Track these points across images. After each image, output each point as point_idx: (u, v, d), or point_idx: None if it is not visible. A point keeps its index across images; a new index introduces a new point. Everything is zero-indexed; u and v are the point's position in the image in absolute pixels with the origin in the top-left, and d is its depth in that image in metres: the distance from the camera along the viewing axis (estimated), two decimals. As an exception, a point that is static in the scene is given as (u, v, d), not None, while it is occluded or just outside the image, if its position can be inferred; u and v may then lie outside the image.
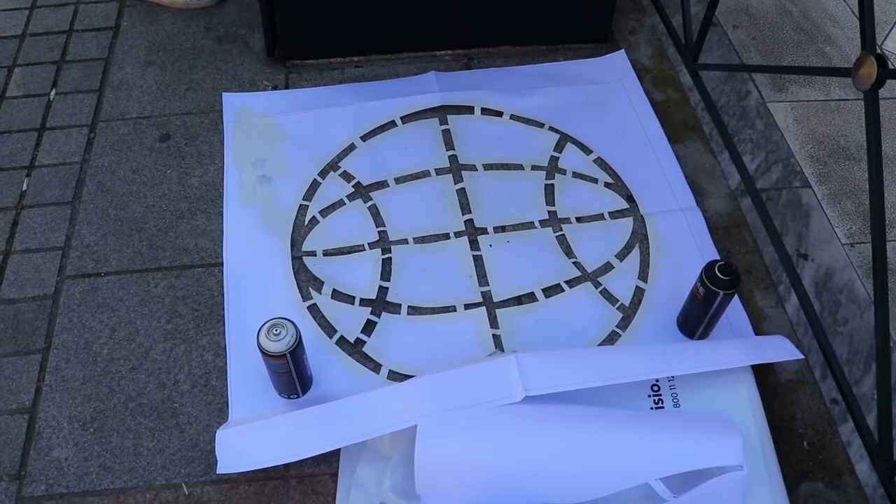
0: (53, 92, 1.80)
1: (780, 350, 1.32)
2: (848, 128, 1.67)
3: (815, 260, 1.46)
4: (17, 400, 1.30)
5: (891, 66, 1.14)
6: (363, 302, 1.43)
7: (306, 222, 1.55)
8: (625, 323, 1.41)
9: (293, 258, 1.49)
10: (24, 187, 1.61)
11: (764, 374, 1.32)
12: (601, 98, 1.80)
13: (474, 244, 1.51)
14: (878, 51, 1.29)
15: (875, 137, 1.13)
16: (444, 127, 1.73)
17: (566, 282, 1.46)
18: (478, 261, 1.49)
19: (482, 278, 1.46)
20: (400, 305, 1.42)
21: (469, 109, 1.76)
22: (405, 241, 1.52)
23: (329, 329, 1.39)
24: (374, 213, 1.57)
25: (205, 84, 1.82)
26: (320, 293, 1.44)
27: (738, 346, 1.31)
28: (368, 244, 1.51)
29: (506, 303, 1.43)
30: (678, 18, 1.87)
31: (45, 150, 1.68)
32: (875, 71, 1.12)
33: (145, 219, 1.55)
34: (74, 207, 1.57)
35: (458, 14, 1.84)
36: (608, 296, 1.45)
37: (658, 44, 1.95)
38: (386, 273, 1.47)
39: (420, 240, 1.52)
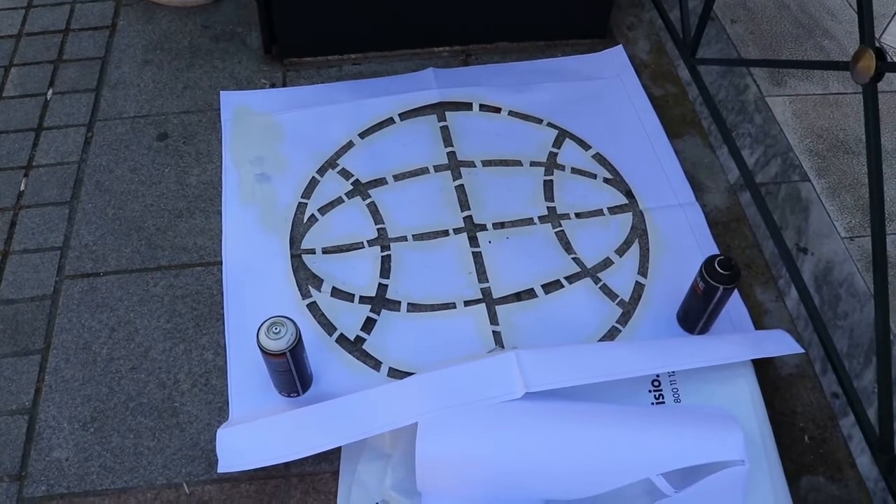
0: (50, 91, 1.79)
1: (780, 344, 1.32)
2: (847, 121, 1.67)
3: (814, 254, 1.46)
4: (17, 401, 1.30)
5: (889, 60, 1.13)
6: (363, 299, 1.43)
7: (305, 220, 1.55)
8: (625, 318, 1.41)
9: (292, 256, 1.49)
10: (22, 187, 1.61)
11: (764, 369, 1.32)
12: (599, 93, 1.80)
13: (473, 241, 1.51)
14: (877, 44, 1.28)
15: (874, 131, 1.13)
16: (442, 124, 1.72)
17: (566, 278, 1.46)
18: (477, 257, 1.49)
19: (482, 275, 1.46)
20: (399, 303, 1.42)
21: (467, 106, 1.76)
22: (404, 239, 1.52)
23: (329, 327, 1.39)
24: (373, 210, 1.56)
25: (202, 82, 1.81)
26: (320, 291, 1.44)
27: (738, 341, 1.31)
28: (367, 241, 1.51)
29: (505, 299, 1.43)
30: (676, 13, 1.86)
31: (43, 150, 1.67)
32: (874, 64, 1.12)
33: (144, 218, 1.55)
34: (72, 207, 1.57)
35: (455, 10, 1.83)
36: (608, 291, 1.44)
37: (656, 39, 1.95)
38: (385, 270, 1.47)
39: (419, 237, 1.52)
